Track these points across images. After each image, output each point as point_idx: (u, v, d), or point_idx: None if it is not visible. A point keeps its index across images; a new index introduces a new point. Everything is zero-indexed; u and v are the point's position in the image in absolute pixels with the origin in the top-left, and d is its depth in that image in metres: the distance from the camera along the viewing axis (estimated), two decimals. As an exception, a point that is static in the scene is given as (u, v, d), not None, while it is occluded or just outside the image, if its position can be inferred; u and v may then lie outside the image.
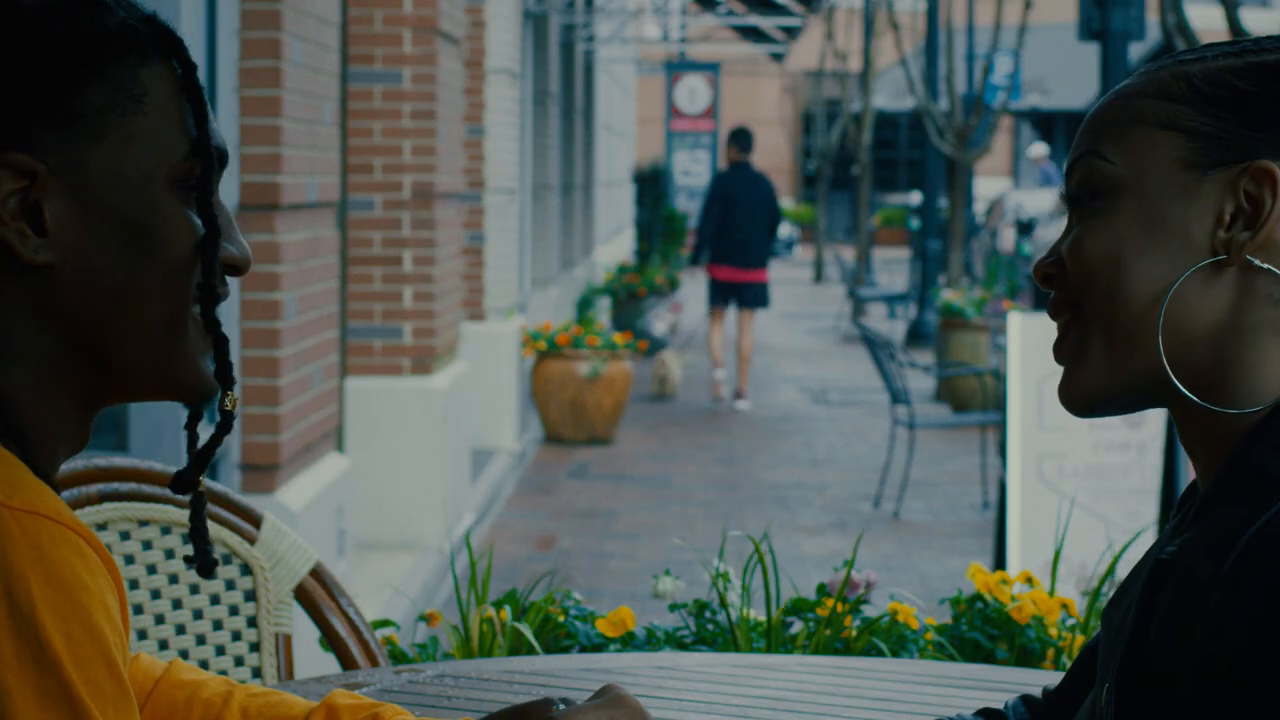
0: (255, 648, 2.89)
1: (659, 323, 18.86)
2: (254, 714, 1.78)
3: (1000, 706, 1.76)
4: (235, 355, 5.79)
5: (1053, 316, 1.47)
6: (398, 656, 3.49)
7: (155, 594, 2.85)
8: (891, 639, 3.58)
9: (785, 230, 39.39)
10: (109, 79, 1.31)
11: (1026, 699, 1.75)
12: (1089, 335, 1.44)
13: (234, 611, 2.89)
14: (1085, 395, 1.45)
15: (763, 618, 3.60)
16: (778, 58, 27.82)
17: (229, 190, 5.74)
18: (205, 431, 1.43)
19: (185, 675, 1.81)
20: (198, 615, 2.87)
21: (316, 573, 2.93)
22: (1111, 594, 1.71)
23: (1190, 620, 1.31)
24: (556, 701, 1.63)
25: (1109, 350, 1.43)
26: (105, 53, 1.32)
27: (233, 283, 5.78)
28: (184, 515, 2.87)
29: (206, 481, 2.93)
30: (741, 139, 15.22)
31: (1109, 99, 1.49)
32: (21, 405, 1.31)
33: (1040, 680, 2.61)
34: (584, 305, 14.02)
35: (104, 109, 1.31)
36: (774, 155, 44.40)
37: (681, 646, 3.58)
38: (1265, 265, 1.40)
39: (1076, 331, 1.45)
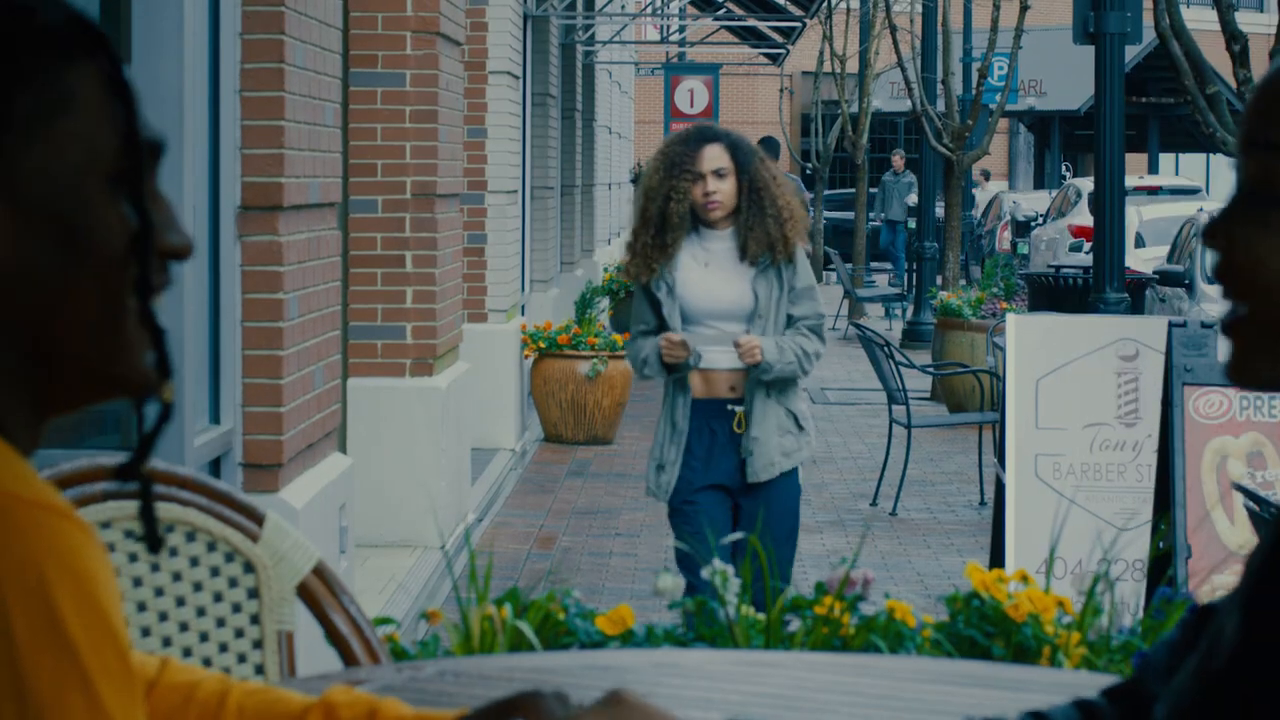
0: (258, 645, 2.91)
1: None
2: (251, 712, 1.79)
3: (1045, 709, 1.72)
4: (237, 355, 5.82)
5: (1228, 331, 1.42)
6: (399, 654, 3.51)
7: (159, 591, 2.87)
8: (889, 636, 3.61)
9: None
10: (36, 83, 1.31)
11: (1079, 703, 1.70)
12: (1262, 345, 1.40)
13: (237, 609, 2.90)
14: (1253, 380, 1.42)
15: (761, 615, 3.63)
16: (776, 60, 27.82)
17: (231, 190, 5.76)
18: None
19: (180, 676, 1.81)
20: (201, 612, 2.89)
21: (319, 571, 2.95)
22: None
23: None
24: (548, 694, 1.64)
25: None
26: (31, 58, 1.31)
27: (234, 283, 5.81)
28: (187, 514, 2.89)
29: (209, 480, 2.96)
30: (768, 147, 15.25)
31: (1277, 76, 1.42)
32: None
33: (1036, 677, 2.63)
34: (584, 305, 14.01)
35: (33, 114, 1.30)
36: (773, 156, 44.32)
37: (681, 644, 3.61)
38: None
39: (1247, 337, 1.41)
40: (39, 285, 1.31)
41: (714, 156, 5.75)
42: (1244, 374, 1.41)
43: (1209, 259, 1.43)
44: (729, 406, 5.79)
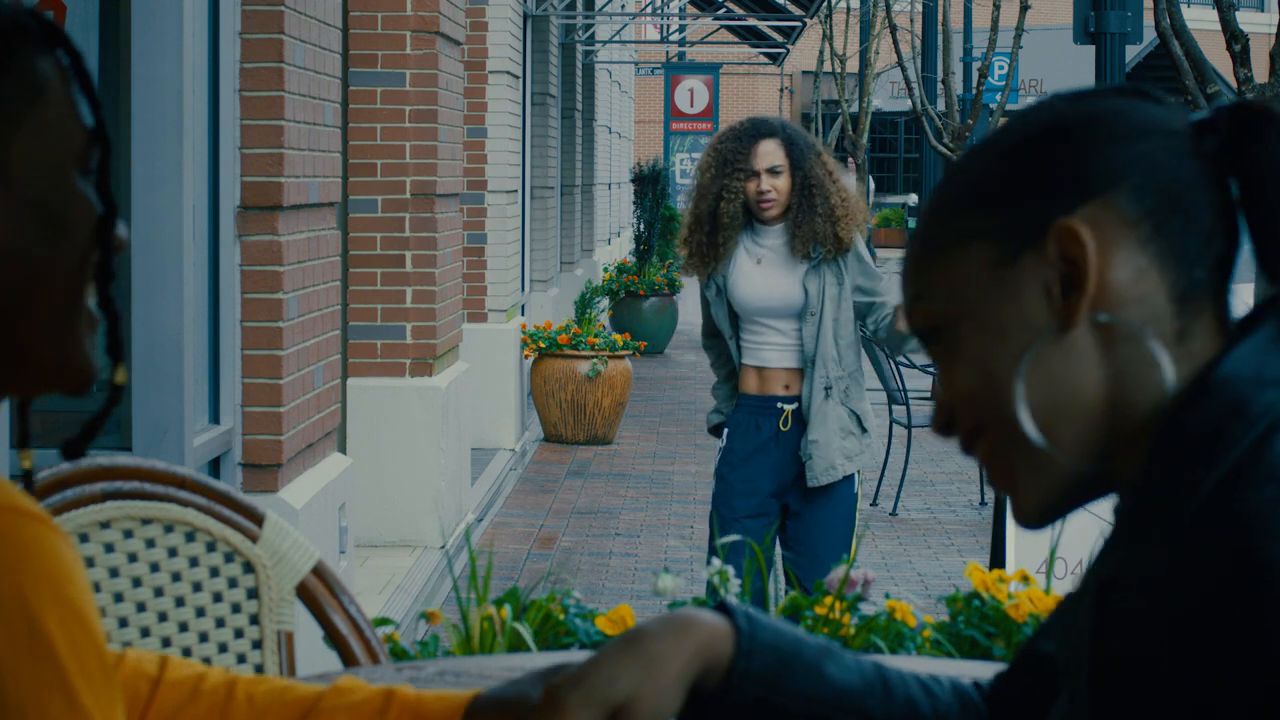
0: (258, 645, 2.91)
1: None
2: (261, 700, 1.79)
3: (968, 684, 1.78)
4: (237, 354, 5.81)
5: (969, 453, 1.47)
6: (399, 654, 3.51)
7: (158, 591, 2.86)
8: (889, 636, 3.61)
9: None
10: (13, 70, 1.35)
11: (978, 684, 1.76)
12: (1008, 456, 1.44)
13: (236, 609, 2.90)
14: (1035, 511, 1.45)
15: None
16: (776, 59, 27.84)
17: (231, 190, 5.76)
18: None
19: (183, 671, 1.82)
20: (200, 613, 2.88)
21: (318, 571, 2.95)
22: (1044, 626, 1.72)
23: (1149, 620, 1.33)
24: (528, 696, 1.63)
25: (1031, 461, 1.43)
26: (7, 45, 1.35)
27: (234, 283, 5.81)
28: (186, 514, 2.89)
29: (209, 480, 2.95)
30: None
31: (912, 241, 1.49)
32: None
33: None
34: (584, 305, 14.02)
35: (13, 99, 1.34)
36: (773, 156, 44.32)
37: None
38: (1109, 318, 1.39)
39: (997, 459, 1.45)
40: (20, 269, 1.34)
41: (768, 153, 5.61)
42: (1028, 509, 1.45)
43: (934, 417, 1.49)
44: (779, 405, 5.68)
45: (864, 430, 5.70)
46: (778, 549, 5.69)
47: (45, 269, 1.35)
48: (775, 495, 5.69)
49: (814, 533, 5.66)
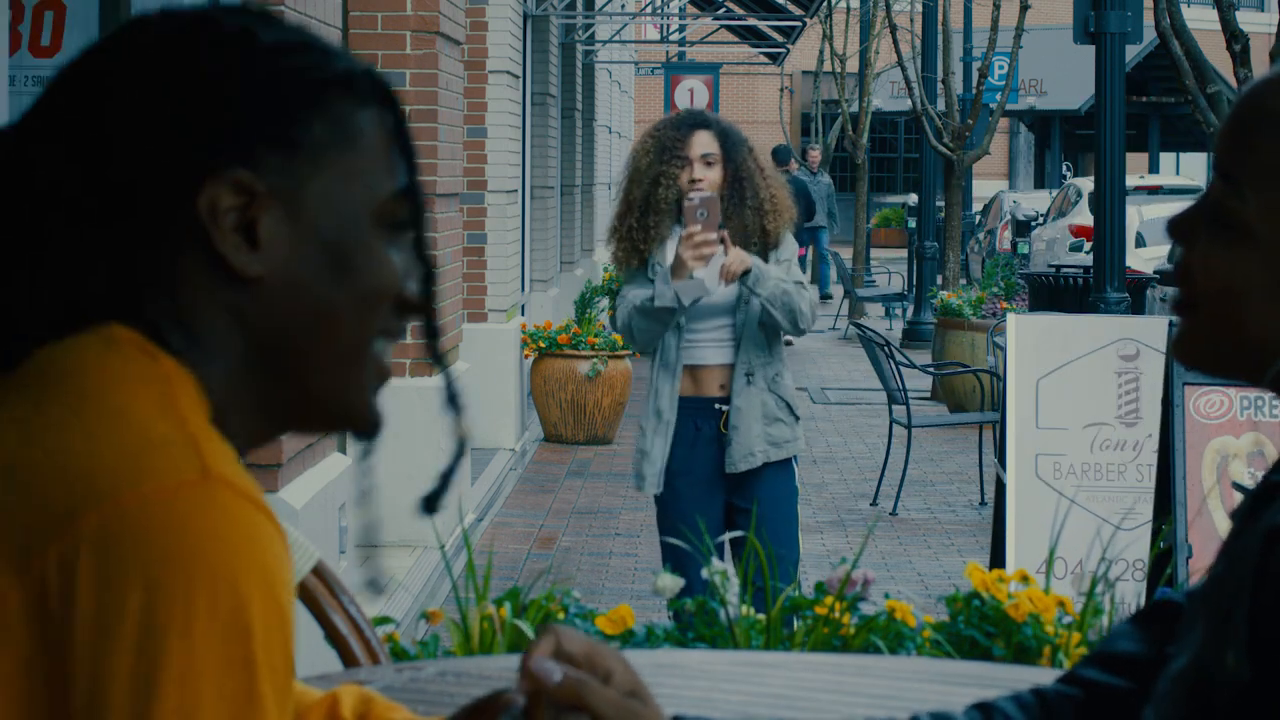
0: (258, 645, 2.90)
1: None
2: None
3: (992, 700, 1.77)
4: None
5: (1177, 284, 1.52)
6: (399, 654, 3.51)
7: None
8: (889, 636, 3.61)
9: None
10: (330, 116, 1.42)
11: (1037, 691, 1.75)
12: (1202, 334, 1.49)
13: (237, 609, 2.90)
14: (1190, 359, 1.51)
15: (761, 615, 3.63)
16: (776, 59, 27.81)
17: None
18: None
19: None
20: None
21: (318, 570, 2.95)
22: (1200, 578, 1.71)
23: None
24: (514, 699, 1.64)
25: (1216, 348, 1.49)
26: (328, 91, 1.42)
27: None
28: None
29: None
30: (779, 154, 15.25)
31: (1245, 103, 1.48)
32: (213, 394, 1.40)
33: (1037, 677, 2.63)
34: (584, 305, 14.01)
35: (323, 143, 1.41)
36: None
37: (681, 644, 3.61)
38: None
39: (1192, 323, 1.50)
40: (303, 304, 1.41)
41: (703, 143, 5.66)
42: (1185, 354, 1.51)
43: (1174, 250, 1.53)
44: (717, 405, 5.66)
45: (795, 417, 5.68)
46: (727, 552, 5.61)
47: (327, 309, 1.41)
48: (725, 496, 5.68)
49: (760, 529, 5.56)
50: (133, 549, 1.27)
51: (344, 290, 1.42)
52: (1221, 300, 1.46)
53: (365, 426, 1.48)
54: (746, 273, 5.56)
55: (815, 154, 27.48)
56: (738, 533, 5.44)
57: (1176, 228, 1.50)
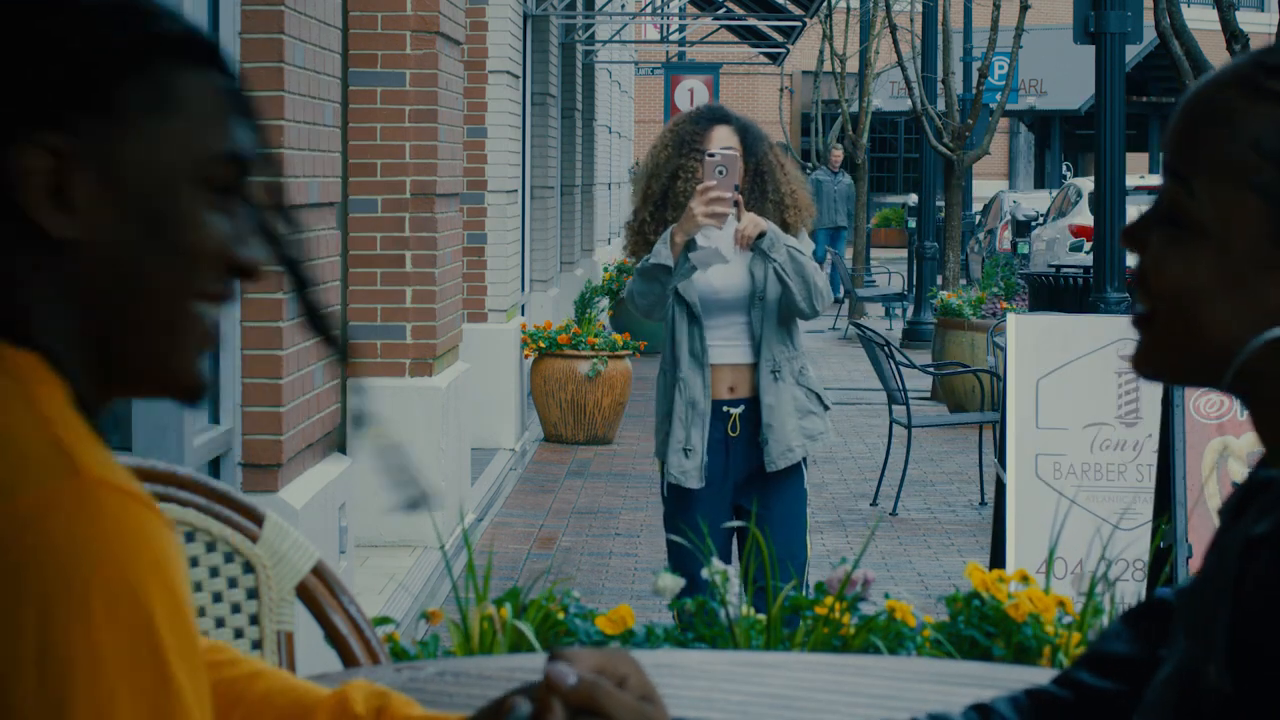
0: (257, 645, 2.91)
1: None
2: (276, 693, 1.81)
3: (989, 701, 1.77)
4: (236, 355, 5.81)
5: (1135, 303, 1.52)
6: (399, 654, 3.51)
7: (159, 591, 2.86)
8: (889, 636, 3.61)
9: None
10: (148, 78, 1.39)
11: (1031, 692, 1.75)
12: (1160, 343, 1.48)
13: (236, 609, 2.90)
14: (1151, 372, 1.51)
15: (761, 615, 3.63)
16: (776, 59, 27.80)
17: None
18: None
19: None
20: (200, 612, 2.88)
21: (318, 570, 2.94)
22: (1183, 585, 1.72)
23: None
24: (519, 703, 1.64)
25: (1175, 355, 1.48)
26: (147, 53, 1.40)
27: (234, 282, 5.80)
28: (186, 514, 2.88)
29: (209, 480, 2.96)
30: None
31: (1191, 102, 1.47)
32: (64, 370, 1.39)
33: (1037, 678, 2.62)
34: (584, 305, 14.01)
35: (139, 105, 1.39)
36: (773, 155, 44.24)
37: (681, 644, 3.61)
38: None
39: (1150, 334, 1.49)
40: (121, 268, 1.38)
41: (723, 138, 5.63)
42: (1144, 367, 1.51)
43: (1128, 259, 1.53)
44: (725, 408, 5.61)
45: (825, 407, 5.67)
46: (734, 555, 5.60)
47: (143, 270, 1.39)
48: (733, 499, 5.65)
49: (773, 533, 5.53)
50: (15, 568, 1.25)
51: (160, 252, 1.39)
52: (1177, 302, 1.45)
53: (188, 392, 1.44)
54: (760, 236, 5.53)
55: (837, 154, 27.53)
56: (742, 523, 5.44)
57: (1129, 236, 1.49)
